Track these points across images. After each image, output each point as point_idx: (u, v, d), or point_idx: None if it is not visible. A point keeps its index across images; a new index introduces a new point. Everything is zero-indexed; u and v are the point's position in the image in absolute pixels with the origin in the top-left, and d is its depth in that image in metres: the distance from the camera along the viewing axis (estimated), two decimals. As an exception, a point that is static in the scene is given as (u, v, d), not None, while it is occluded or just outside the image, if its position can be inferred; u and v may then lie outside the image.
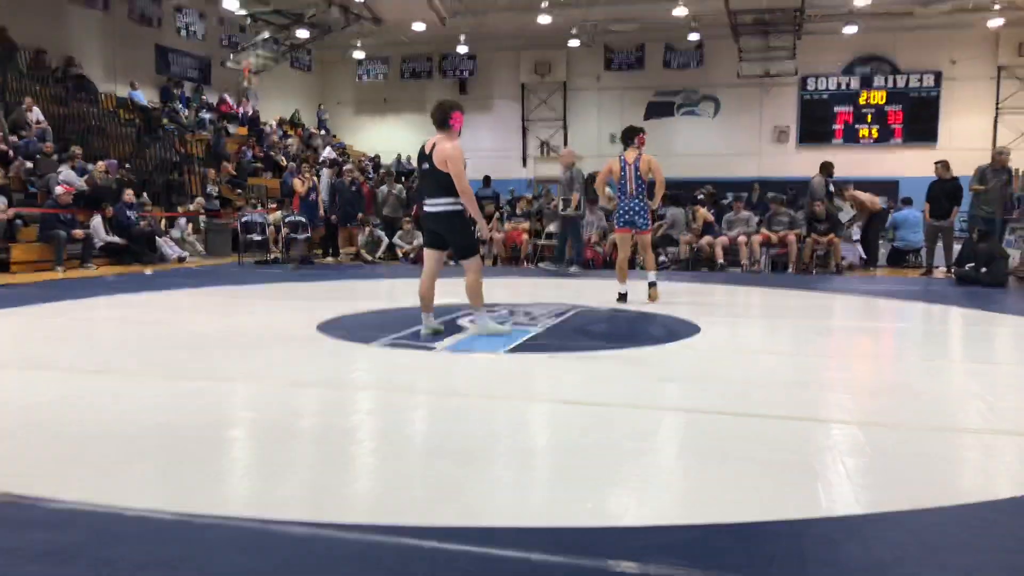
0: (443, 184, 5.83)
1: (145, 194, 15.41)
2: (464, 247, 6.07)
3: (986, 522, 2.67)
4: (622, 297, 8.46)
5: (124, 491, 2.90)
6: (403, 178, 19.83)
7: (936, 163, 12.40)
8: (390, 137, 27.76)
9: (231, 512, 2.72)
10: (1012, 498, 2.87)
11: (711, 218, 13.94)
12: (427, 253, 6.24)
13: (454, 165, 5.78)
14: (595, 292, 9.33)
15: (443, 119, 5.93)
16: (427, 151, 5.92)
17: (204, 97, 22.89)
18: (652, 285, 8.53)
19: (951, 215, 11.83)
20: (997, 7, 20.88)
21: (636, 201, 8.46)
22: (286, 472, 3.16)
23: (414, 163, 23.54)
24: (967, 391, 4.69)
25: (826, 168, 13.40)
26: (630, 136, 8.61)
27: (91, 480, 3.03)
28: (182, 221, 15.52)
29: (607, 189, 9.42)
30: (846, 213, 14.35)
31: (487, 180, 18.84)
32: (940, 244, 12.30)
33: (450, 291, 6.49)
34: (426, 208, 6.05)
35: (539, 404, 4.35)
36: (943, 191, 11.94)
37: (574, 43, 25.40)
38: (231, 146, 21.07)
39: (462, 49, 26.00)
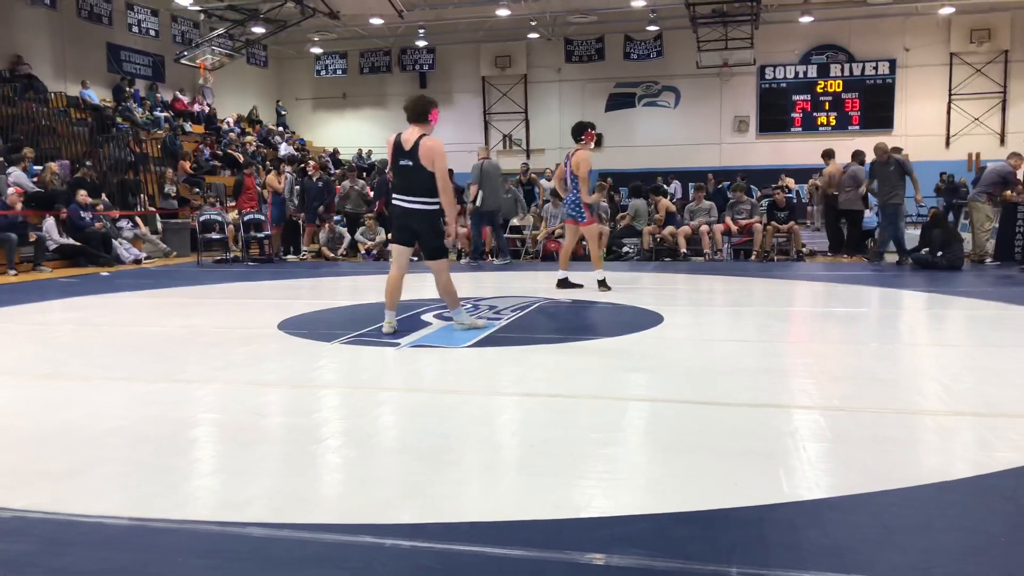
0: (425, 182, 5.75)
1: (104, 195, 15.11)
2: (435, 248, 5.97)
3: (943, 503, 2.70)
4: (561, 282, 8.74)
5: (78, 498, 2.83)
6: (364, 174, 19.65)
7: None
8: (349, 132, 27.57)
9: (189, 516, 2.66)
10: (968, 478, 2.91)
11: (673, 208, 14.05)
12: (397, 249, 6.10)
13: (441, 163, 5.74)
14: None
15: (422, 112, 5.83)
16: (407, 147, 5.76)
17: (158, 95, 22.50)
18: (600, 283, 8.64)
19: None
20: (948, -5, 21.26)
21: (572, 196, 8.65)
22: (247, 474, 3.10)
23: (375, 158, 23.53)
24: (925, 374, 4.76)
25: (858, 156, 13.04)
26: (578, 132, 8.72)
27: (44, 487, 2.95)
28: (124, 223, 15.14)
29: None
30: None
31: (450, 174, 18.73)
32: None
33: (415, 286, 6.43)
34: (401, 204, 5.91)
35: (502, 398, 4.33)
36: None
37: (534, 35, 25.40)
38: (188, 144, 20.73)
39: (421, 43, 25.86)
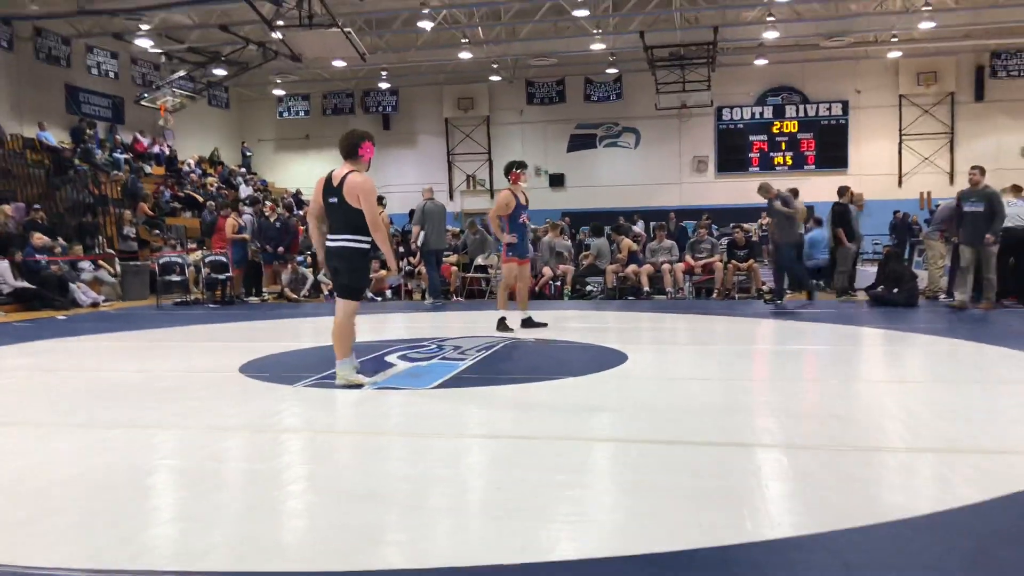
0: (351, 219, 5.45)
1: (60, 238, 14.88)
2: (348, 287, 5.64)
3: (905, 539, 2.73)
4: (524, 321, 8.78)
5: (32, 549, 2.75)
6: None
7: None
8: (312, 173, 27.25)
9: (146, 566, 2.60)
10: (929, 514, 2.95)
11: (635, 247, 14.19)
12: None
13: (367, 200, 5.43)
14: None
15: (351, 148, 5.60)
16: (335, 183, 5.48)
17: (118, 137, 22.31)
18: (500, 322, 8.71)
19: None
20: (895, 40, 21.96)
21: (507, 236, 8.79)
22: (206, 521, 3.04)
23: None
24: (884, 411, 4.83)
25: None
26: (505, 172, 8.94)
27: (-6, 541, 2.86)
28: (86, 264, 14.92)
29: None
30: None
31: (412, 214, 18.78)
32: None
33: (377, 327, 6.38)
34: (328, 243, 5.64)
35: (467, 440, 4.31)
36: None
37: (496, 78, 25.71)
38: (149, 186, 20.54)
39: (384, 85, 26.03)
